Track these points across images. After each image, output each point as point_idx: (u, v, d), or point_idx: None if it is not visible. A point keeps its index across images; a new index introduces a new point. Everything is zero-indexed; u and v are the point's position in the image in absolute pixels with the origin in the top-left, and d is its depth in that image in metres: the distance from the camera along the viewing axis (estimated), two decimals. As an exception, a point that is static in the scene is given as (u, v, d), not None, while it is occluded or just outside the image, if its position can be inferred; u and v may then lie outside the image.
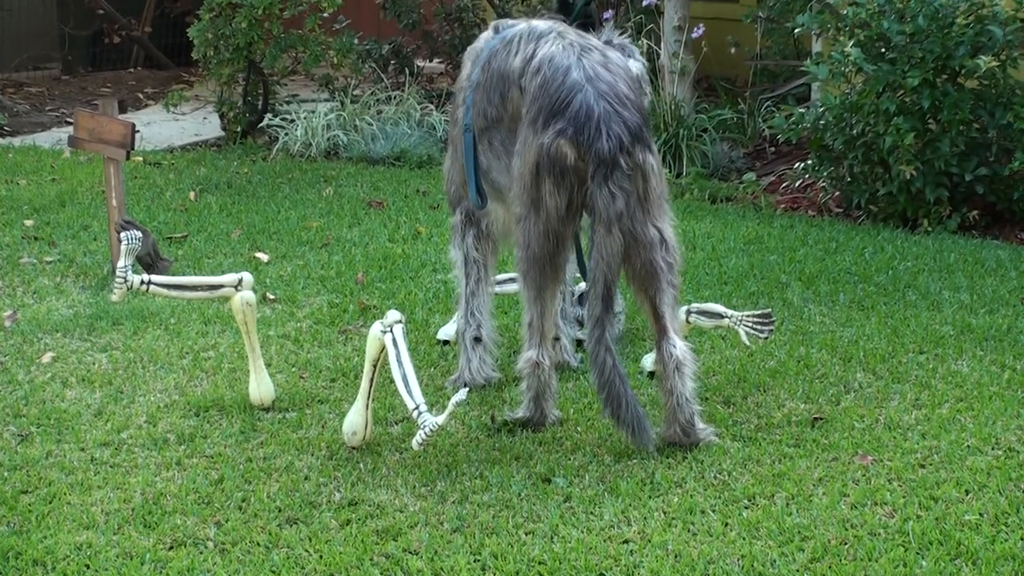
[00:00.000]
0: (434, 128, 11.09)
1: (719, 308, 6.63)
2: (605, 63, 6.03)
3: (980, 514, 5.49)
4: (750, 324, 6.55)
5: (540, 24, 6.27)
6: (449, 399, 5.98)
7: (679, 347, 6.05)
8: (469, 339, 6.70)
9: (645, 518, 5.50)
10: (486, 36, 6.46)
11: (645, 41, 10.92)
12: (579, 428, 6.26)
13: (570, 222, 6.01)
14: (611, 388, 5.88)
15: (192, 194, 9.91)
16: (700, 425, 6.10)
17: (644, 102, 6.14)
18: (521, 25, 6.32)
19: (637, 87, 6.11)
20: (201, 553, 5.26)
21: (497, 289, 7.06)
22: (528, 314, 6.18)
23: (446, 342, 7.20)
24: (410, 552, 5.26)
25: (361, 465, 5.95)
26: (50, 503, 5.65)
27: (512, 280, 6.60)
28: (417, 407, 5.86)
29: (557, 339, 6.77)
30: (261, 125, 11.61)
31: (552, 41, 6.10)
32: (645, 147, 5.96)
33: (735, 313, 6.59)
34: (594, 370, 5.95)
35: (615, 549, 5.27)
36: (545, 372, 6.20)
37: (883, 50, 9.05)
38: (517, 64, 6.12)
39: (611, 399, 5.89)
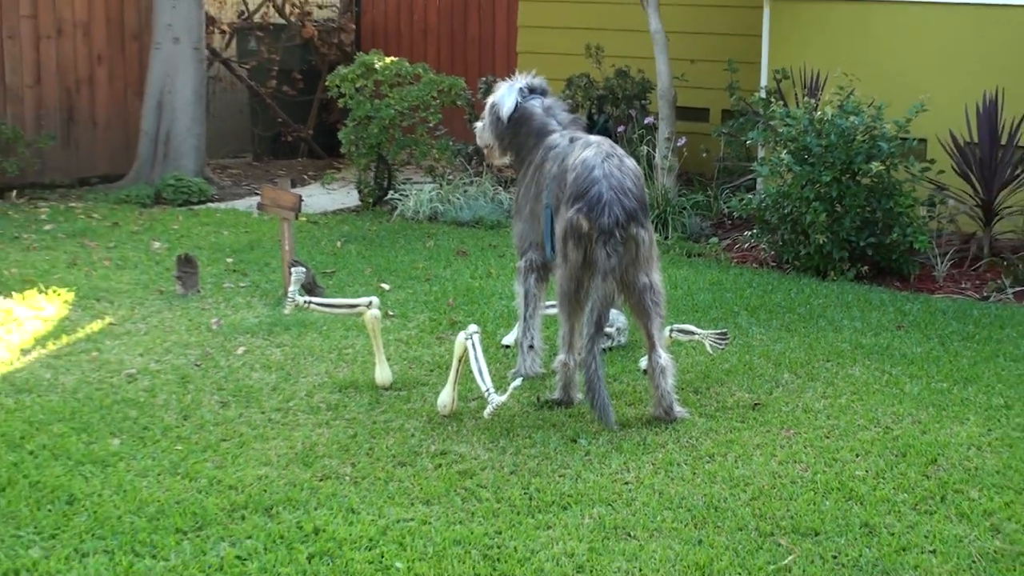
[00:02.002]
0: (502, 203, 11.10)
1: (692, 327, 6.63)
2: (620, 166, 6.04)
3: (866, 471, 5.49)
4: (713, 339, 6.56)
5: (593, 137, 6.32)
6: (509, 385, 6.02)
7: (663, 357, 6.09)
8: (525, 346, 6.71)
9: (640, 468, 5.52)
10: (564, 142, 6.38)
11: (646, 148, 10.92)
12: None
13: (586, 271, 6.01)
14: (591, 383, 5.91)
15: (339, 243, 9.97)
16: (677, 408, 6.12)
17: (645, 194, 6.12)
18: (582, 138, 6.34)
19: (640, 184, 6.10)
20: (341, 484, 5.30)
21: (545, 312, 7.10)
22: (562, 330, 6.22)
23: (507, 347, 7.22)
24: (481, 487, 5.29)
25: (449, 427, 5.98)
26: (241, 448, 5.70)
27: (554, 306, 6.61)
28: (488, 390, 5.91)
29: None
30: (386, 198, 11.66)
31: (592, 148, 6.13)
32: (639, 224, 5.98)
33: (703, 331, 6.60)
34: (584, 371, 5.98)
35: (619, 488, 5.29)
36: (571, 369, 6.22)
37: (806, 157, 9.04)
38: (568, 163, 6.14)
39: (591, 390, 5.92)
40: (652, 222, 9.99)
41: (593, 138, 6.30)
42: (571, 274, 6.06)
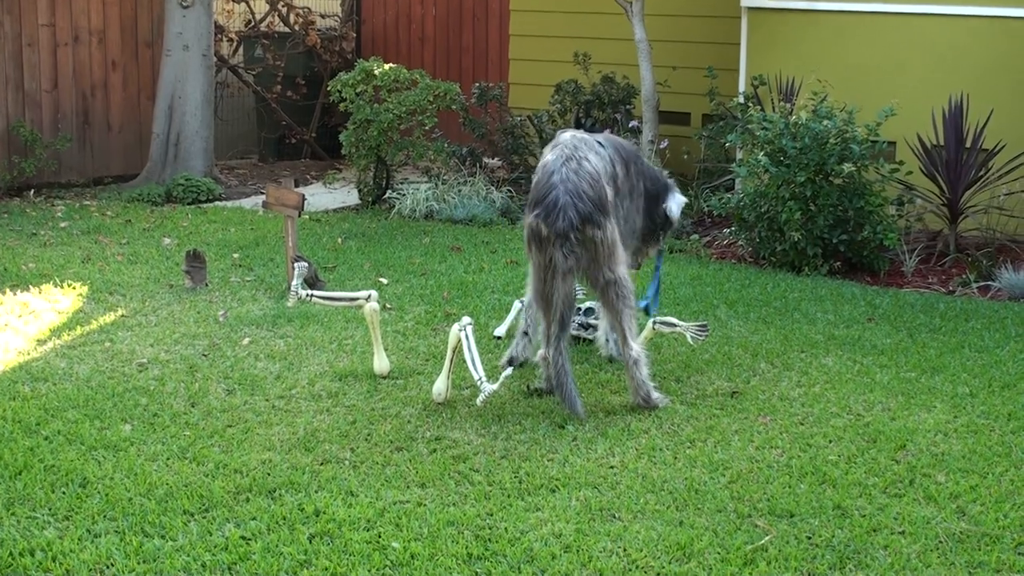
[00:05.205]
0: (494, 202, 11.06)
1: (674, 320, 6.61)
2: (577, 170, 5.99)
3: (838, 455, 5.48)
4: (694, 331, 6.53)
5: (565, 137, 6.24)
6: (501, 374, 6.00)
7: (635, 349, 6.08)
8: (520, 332, 6.69)
9: (624, 452, 5.50)
10: (550, 146, 6.34)
11: (629, 149, 10.89)
12: (583, 394, 6.22)
13: (549, 271, 5.97)
14: (559, 377, 5.92)
15: (339, 240, 9.93)
16: (655, 395, 6.09)
17: (604, 195, 6.01)
18: (556, 137, 6.30)
19: (598, 186, 6.01)
20: (341, 468, 5.28)
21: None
22: (541, 327, 6.18)
23: (499, 338, 7.20)
24: (474, 471, 5.26)
25: (443, 414, 5.95)
26: (245, 434, 5.67)
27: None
28: (480, 378, 5.88)
29: (607, 342, 6.81)
30: (384, 197, 11.62)
31: (556, 150, 6.11)
32: (594, 225, 5.93)
33: (684, 323, 6.58)
34: (552, 366, 5.97)
35: (605, 472, 5.27)
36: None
37: (782, 158, 9.02)
38: (538, 166, 6.16)
39: (559, 385, 5.93)
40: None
41: (564, 136, 6.25)
42: (538, 274, 6.05)
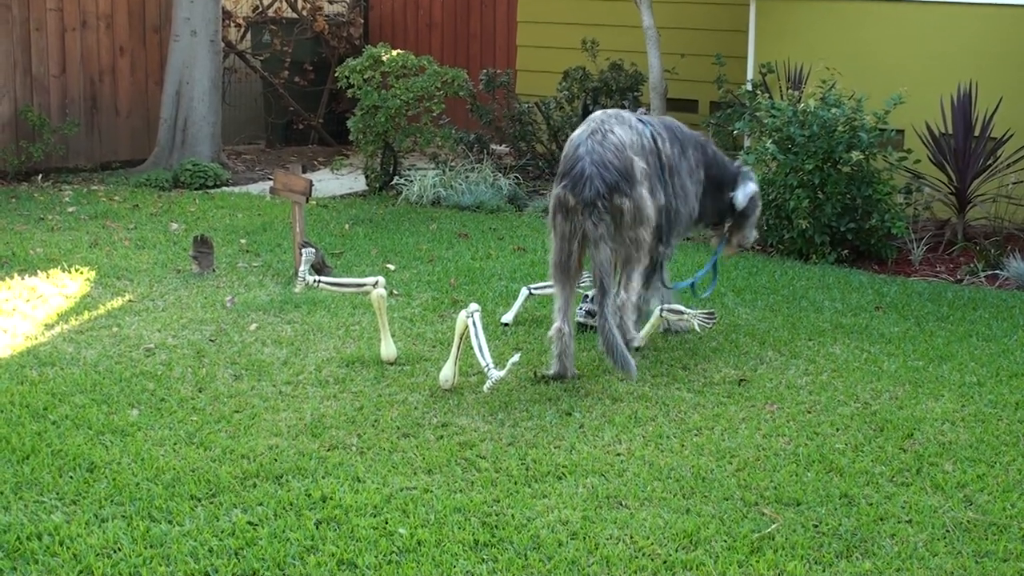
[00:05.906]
0: (501, 189, 11.04)
1: (681, 307, 6.61)
2: (602, 141, 6.18)
3: (846, 444, 5.47)
4: (701, 318, 6.53)
5: (596, 113, 6.45)
6: (508, 361, 5.99)
7: (623, 296, 6.27)
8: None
9: (631, 440, 5.49)
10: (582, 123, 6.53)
11: (637, 136, 10.87)
12: (590, 382, 6.24)
13: (573, 242, 6.10)
14: (608, 341, 5.98)
15: (347, 226, 9.92)
16: (637, 342, 6.38)
17: (630, 165, 6.16)
18: (592, 115, 6.51)
19: (623, 156, 6.14)
20: (348, 454, 5.27)
21: (543, 291, 7.13)
22: (556, 301, 6.26)
23: (506, 325, 7.19)
24: (480, 457, 5.26)
25: (450, 401, 5.94)
26: (252, 419, 5.67)
27: (549, 286, 6.64)
28: (487, 365, 5.87)
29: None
30: (391, 183, 11.60)
31: (583, 125, 6.34)
32: (621, 194, 6.10)
33: (692, 311, 6.57)
34: (600, 332, 6.04)
35: (611, 459, 5.26)
36: (566, 336, 6.20)
37: (790, 146, 9.01)
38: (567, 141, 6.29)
39: (609, 348, 5.99)
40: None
41: (596, 113, 6.44)
42: (561, 245, 6.15)
